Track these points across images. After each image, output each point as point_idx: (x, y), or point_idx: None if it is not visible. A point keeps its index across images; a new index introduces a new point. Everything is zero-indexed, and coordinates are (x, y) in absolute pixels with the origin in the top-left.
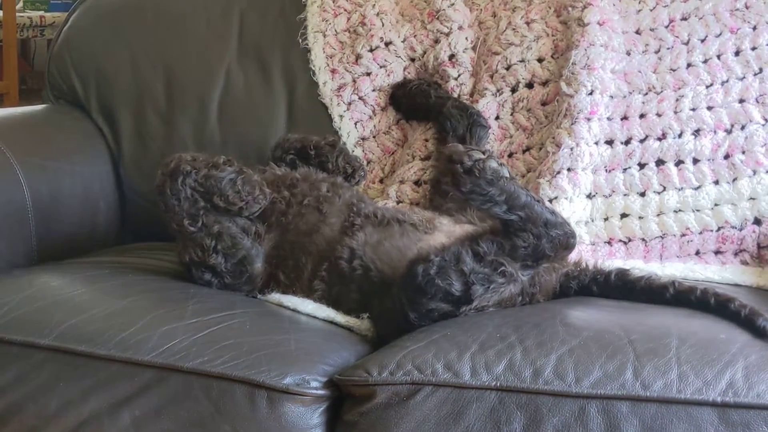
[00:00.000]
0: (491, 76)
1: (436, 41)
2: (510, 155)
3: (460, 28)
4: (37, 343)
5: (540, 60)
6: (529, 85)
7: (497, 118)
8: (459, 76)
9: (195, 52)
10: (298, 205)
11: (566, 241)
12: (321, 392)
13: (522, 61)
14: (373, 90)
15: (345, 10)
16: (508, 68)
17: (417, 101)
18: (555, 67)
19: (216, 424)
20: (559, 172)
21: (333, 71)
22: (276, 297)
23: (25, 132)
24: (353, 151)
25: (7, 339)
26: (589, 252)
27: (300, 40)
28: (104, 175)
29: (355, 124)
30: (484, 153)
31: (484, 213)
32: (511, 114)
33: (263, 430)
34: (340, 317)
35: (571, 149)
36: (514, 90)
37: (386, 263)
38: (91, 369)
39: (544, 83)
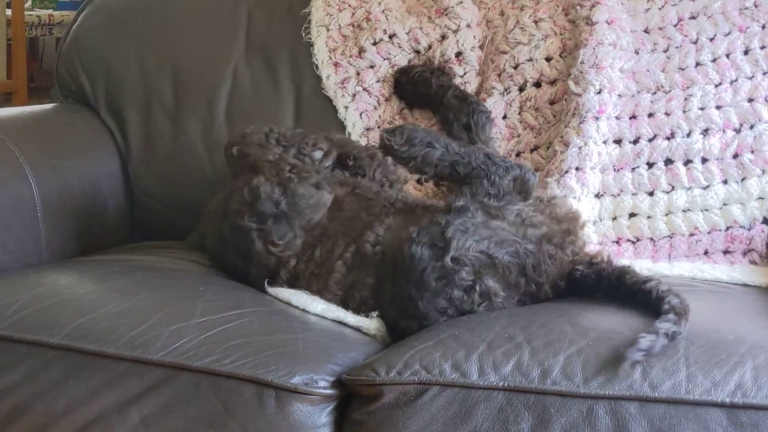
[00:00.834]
0: (499, 75)
1: (443, 37)
2: (518, 154)
3: (468, 26)
4: (46, 341)
5: (548, 59)
6: (537, 84)
7: (505, 117)
8: (465, 74)
9: (202, 51)
10: (353, 195)
11: (525, 176)
12: (329, 391)
13: (530, 60)
14: (378, 81)
15: (350, 5)
16: (515, 67)
17: (419, 90)
18: (563, 65)
19: (224, 422)
20: (567, 171)
21: (336, 64)
22: (285, 295)
23: (34, 131)
24: (358, 141)
25: (17, 338)
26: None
27: (303, 34)
28: (113, 174)
29: (360, 114)
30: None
31: (431, 174)
32: (519, 113)
33: (271, 428)
34: (350, 317)
35: (580, 148)
36: (521, 89)
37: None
38: (100, 368)
39: (552, 82)
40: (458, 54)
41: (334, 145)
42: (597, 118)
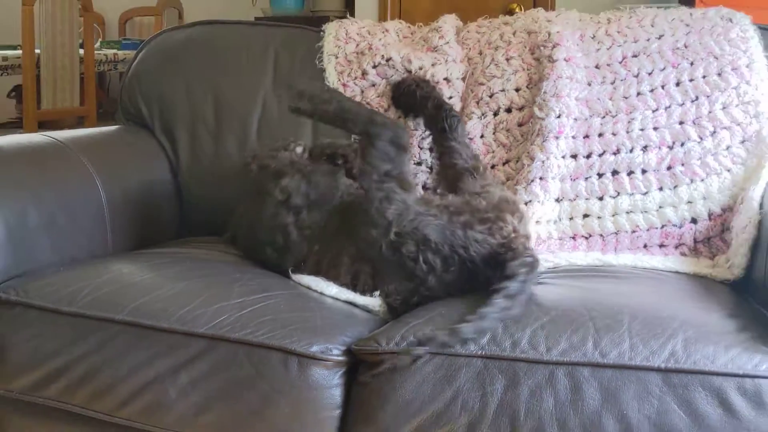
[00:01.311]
0: (477, 103)
1: (434, 64)
2: (492, 166)
3: (454, 61)
4: (112, 318)
5: (517, 89)
6: (508, 110)
7: (482, 136)
8: (451, 98)
9: (238, 83)
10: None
11: (393, 135)
12: (341, 358)
13: (503, 90)
14: (378, 96)
15: (354, 39)
16: (491, 96)
17: (407, 101)
18: (529, 95)
19: (256, 384)
20: (533, 181)
21: (344, 85)
22: (306, 281)
23: (102, 147)
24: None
25: (89, 315)
26: (557, 245)
27: (317, 62)
28: (165, 182)
29: None
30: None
31: (333, 125)
32: (493, 133)
33: (294, 388)
34: (359, 299)
35: (543, 162)
36: (495, 114)
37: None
38: (156, 339)
39: (520, 108)
40: (446, 78)
41: (314, 145)
42: (557, 138)
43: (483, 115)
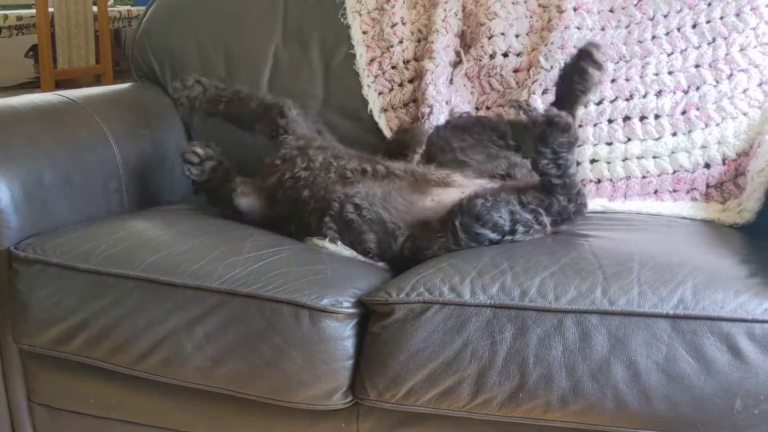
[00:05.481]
0: (471, 48)
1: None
2: (487, 108)
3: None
4: (128, 274)
5: (516, 36)
6: (505, 54)
7: (478, 77)
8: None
9: (248, 36)
10: (285, 180)
11: (582, 210)
12: (352, 310)
13: (503, 34)
14: (392, 67)
15: None
16: (490, 38)
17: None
18: (528, 42)
19: (269, 336)
20: None
21: (367, 46)
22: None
23: (115, 106)
24: (379, 118)
25: (105, 271)
26: None
27: (341, 19)
28: (178, 139)
29: (379, 94)
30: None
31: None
32: (488, 77)
33: (306, 341)
34: (360, 258)
35: None
36: (492, 57)
37: (401, 210)
38: (171, 294)
39: (518, 54)
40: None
41: None
42: None
43: (479, 58)
